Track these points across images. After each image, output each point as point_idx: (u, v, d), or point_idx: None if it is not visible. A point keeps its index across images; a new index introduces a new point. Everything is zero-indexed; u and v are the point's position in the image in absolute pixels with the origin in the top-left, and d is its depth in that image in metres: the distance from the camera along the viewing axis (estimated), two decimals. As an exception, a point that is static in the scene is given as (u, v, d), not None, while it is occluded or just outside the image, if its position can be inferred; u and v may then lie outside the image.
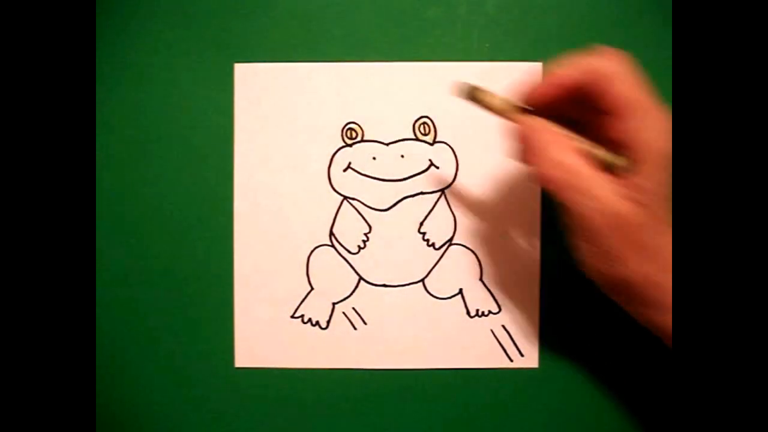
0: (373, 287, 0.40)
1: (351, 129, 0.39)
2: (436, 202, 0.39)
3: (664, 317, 0.29)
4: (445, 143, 0.39)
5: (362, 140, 0.39)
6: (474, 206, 0.39)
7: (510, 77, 0.39)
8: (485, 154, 0.39)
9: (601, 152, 0.29)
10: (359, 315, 0.40)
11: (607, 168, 0.29)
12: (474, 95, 0.32)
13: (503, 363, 0.40)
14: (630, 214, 0.28)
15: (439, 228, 0.39)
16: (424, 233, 0.40)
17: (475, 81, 0.39)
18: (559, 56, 0.39)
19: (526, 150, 0.30)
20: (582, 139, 0.29)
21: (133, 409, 0.40)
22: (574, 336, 0.39)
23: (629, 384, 0.40)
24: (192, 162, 0.39)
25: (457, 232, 0.39)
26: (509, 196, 0.39)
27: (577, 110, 0.30)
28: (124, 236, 0.40)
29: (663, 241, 0.28)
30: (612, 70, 0.28)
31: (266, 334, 0.40)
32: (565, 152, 0.28)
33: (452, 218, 0.39)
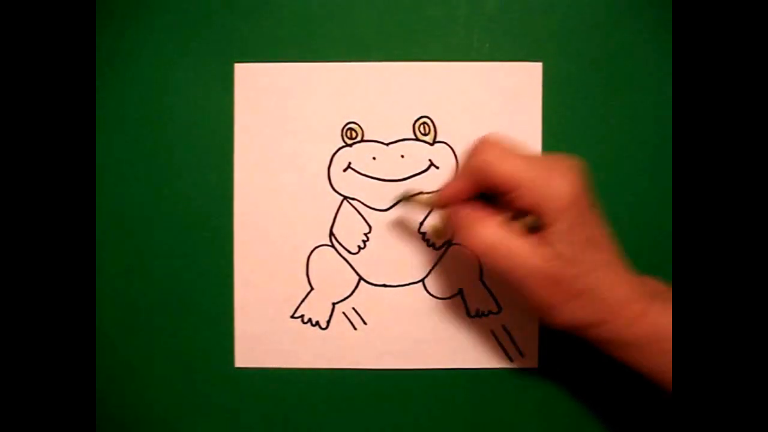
0: (373, 287, 0.40)
1: (351, 129, 0.39)
2: (436, 202, 0.39)
3: (619, 340, 0.31)
4: (445, 143, 0.39)
5: (362, 140, 0.39)
6: (474, 206, 0.39)
7: (510, 77, 0.39)
8: (485, 154, 0.39)
9: (519, 221, 0.31)
10: (359, 315, 0.40)
11: (531, 230, 0.31)
12: (408, 198, 0.37)
13: (503, 363, 0.40)
14: (552, 269, 0.30)
15: (439, 228, 0.39)
16: (424, 233, 0.40)
17: (475, 81, 0.39)
18: (559, 56, 0.39)
19: (456, 231, 0.33)
20: (502, 212, 0.32)
21: (133, 409, 0.40)
22: (573, 336, 0.39)
23: (628, 383, 0.40)
24: (192, 162, 0.39)
25: None
26: (509, 196, 0.39)
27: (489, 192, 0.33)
28: (124, 236, 0.40)
29: (596, 283, 0.30)
30: (487, 160, 0.31)
31: (266, 334, 0.40)
32: (487, 227, 0.31)
33: (452, 218, 0.39)
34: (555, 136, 0.39)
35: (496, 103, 0.39)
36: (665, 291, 0.33)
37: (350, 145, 0.39)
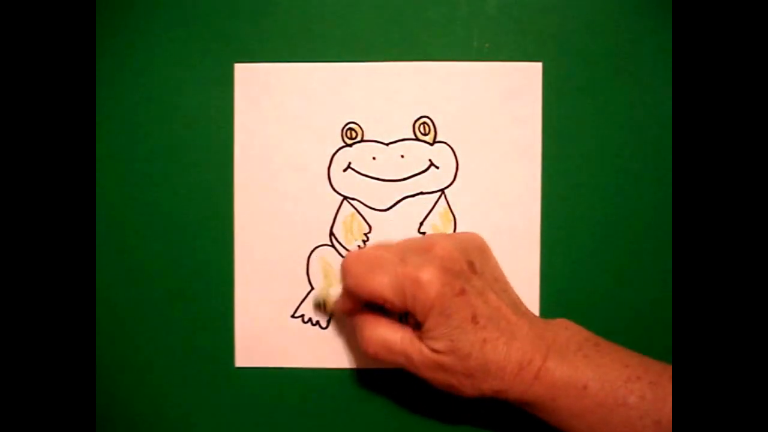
0: (373, 287, 0.40)
1: (351, 129, 0.39)
2: (436, 202, 0.39)
3: (524, 401, 0.33)
4: (445, 143, 0.39)
5: (362, 140, 0.39)
6: (474, 206, 0.39)
7: (510, 77, 0.39)
8: (485, 154, 0.39)
9: (406, 322, 0.34)
10: (359, 315, 0.40)
11: (417, 328, 0.33)
12: (323, 304, 0.39)
13: (503, 363, 0.40)
14: (435, 360, 0.32)
15: (439, 228, 0.39)
16: (424, 233, 0.40)
17: (475, 81, 0.39)
18: (559, 56, 0.39)
19: (357, 338, 0.35)
20: (392, 315, 0.34)
21: (133, 409, 0.40)
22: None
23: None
24: (192, 162, 0.39)
25: (457, 232, 0.39)
26: (509, 196, 0.39)
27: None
28: (124, 236, 0.40)
29: (483, 360, 0.32)
30: (350, 286, 0.34)
31: (266, 334, 0.40)
32: (377, 331, 0.34)
33: (452, 218, 0.39)
34: (555, 136, 0.39)
35: (496, 103, 0.39)
36: (563, 338, 0.33)
37: (350, 145, 0.39)
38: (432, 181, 0.39)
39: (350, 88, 0.39)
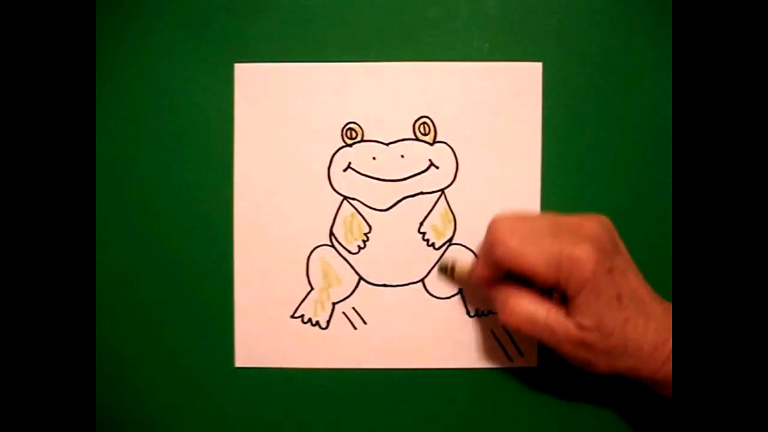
0: (373, 287, 0.40)
1: (351, 129, 0.39)
2: (436, 202, 0.39)
3: (654, 380, 0.33)
4: (445, 143, 0.39)
5: (362, 140, 0.39)
6: (474, 206, 0.39)
7: (510, 77, 0.39)
8: (485, 154, 0.39)
9: (552, 297, 0.34)
10: (359, 315, 0.40)
11: (562, 301, 0.33)
12: (450, 269, 0.39)
13: (503, 362, 0.40)
14: (579, 337, 0.33)
15: (438, 228, 0.39)
16: (424, 233, 0.40)
17: (475, 81, 0.39)
18: (559, 56, 0.39)
19: (494, 307, 0.36)
20: (534, 287, 0.34)
21: (133, 409, 0.40)
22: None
23: (627, 382, 0.40)
24: (192, 162, 0.39)
25: (457, 232, 0.40)
26: (509, 196, 0.39)
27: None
28: (124, 236, 0.40)
29: (623, 339, 0.32)
30: (503, 256, 0.33)
31: (266, 334, 0.40)
32: (521, 303, 0.34)
33: (452, 218, 0.40)
34: (555, 136, 0.39)
35: (496, 103, 0.39)
36: None
37: (350, 145, 0.39)
38: (432, 181, 0.39)
39: (350, 88, 0.39)
